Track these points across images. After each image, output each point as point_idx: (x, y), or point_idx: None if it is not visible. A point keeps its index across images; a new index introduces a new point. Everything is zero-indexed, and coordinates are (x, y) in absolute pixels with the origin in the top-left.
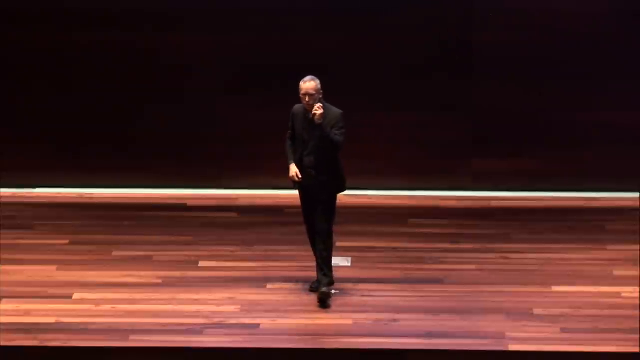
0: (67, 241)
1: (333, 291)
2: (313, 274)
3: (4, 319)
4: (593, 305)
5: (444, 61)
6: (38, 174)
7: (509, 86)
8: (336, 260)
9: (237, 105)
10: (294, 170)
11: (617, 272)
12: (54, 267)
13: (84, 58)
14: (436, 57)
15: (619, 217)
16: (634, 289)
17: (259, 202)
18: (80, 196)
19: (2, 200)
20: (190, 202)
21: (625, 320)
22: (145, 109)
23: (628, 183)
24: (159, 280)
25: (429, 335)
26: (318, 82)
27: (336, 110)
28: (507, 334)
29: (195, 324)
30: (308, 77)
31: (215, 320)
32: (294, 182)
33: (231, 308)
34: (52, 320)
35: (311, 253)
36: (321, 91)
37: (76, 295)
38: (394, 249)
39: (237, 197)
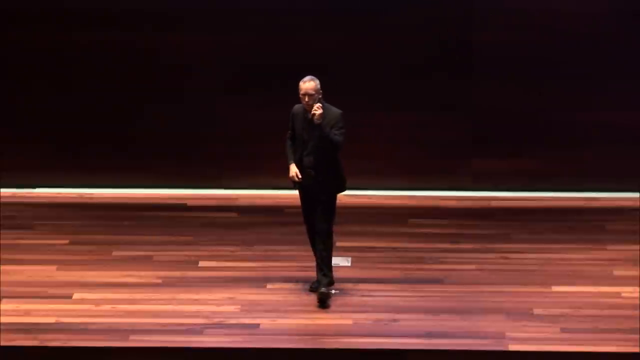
0: (67, 241)
1: (333, 291)
2: (313, 274)
3: (4, 319)
4: (593, 305)
5: (444, 61)
6: (38, 174)
7: (509, 86)
8: (336, 260)
9: (237, 105)
10: (293, 170)
11: (617, 272)
12: (54, 267)
13: (84, 58)
14: (436, 57)
15: (619, 217)
16: (634, 289)
17: (259, 202)
18: (80, 196)
19: (2, 200)
20: (190, 202)
21: (625, 320)
22: (145, 109)
23: (628, 183)
24: (159, 280)
25: (429, 335)
26: (317, 82)
27: (336, 110)
28: (507, 334)
29: (195, 324)
30: (307, 77)
31: (215, 320)
32: (294, 182)
33: (231, 308)
34: (52, 320)
35: (311, 253)
36: (321, 91)
37: (76, 295)
38: (394, 249)
39: (237, 197)
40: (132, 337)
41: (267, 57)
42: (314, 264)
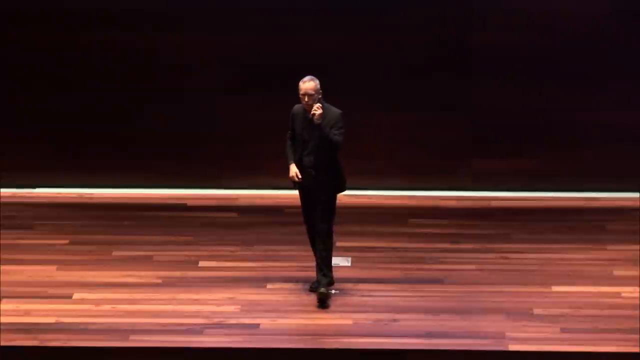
0: (67, 241)
1: (332, 291)
2: (313, 274)
3: (4, 319)
4: (593, 305)
5: (444, 61)
6: (38, 174)
7: (509, 86)
8: (336, 260)
9: (237, 105)
10: (293, 170)
11: (617, 272)
12: (54, 267)
13: (84, 58)
14: (436, 57)
15: (619, 217)
16: (634, 289)
17: (259, 202)
18: (80, 196)
19: (2, 200)
20: (190, 202)
21: (625, 320)
22: (145, 109)
23: (628, 183)
24: (159, 280)
25: (429, 335)
26: (317, 82)
27: (335, 110)
28: (507, 334)
29: (195, 324)
30: (307, 77)
31: (215, 320)
32: (294, 182)
33: (231, 308)
34: (52, 320)
35: (311, 253)
36: (320, 91)
37: (76, 295)
38: (394, 249)
39: (237, 197)
40: (132, 337)
41: (267, 57)
42: (314, 264)
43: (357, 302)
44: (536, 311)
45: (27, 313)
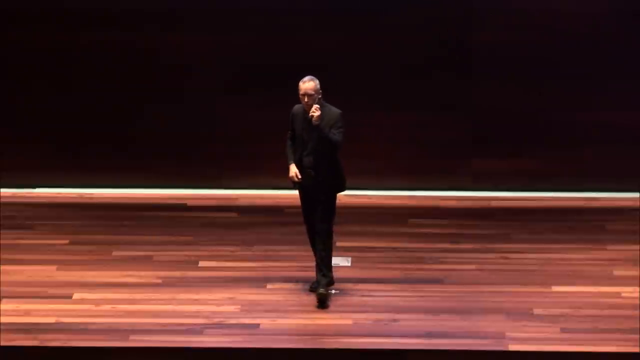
0: (67, 241)
1: (332, 291)
2: (313, 274)
3: (4, 319)
4: (593, 305)
5: (444, 61)
6: (38, 174)
7: (509, 86)
8: (336, 260)
9: (237, 105)
10: (293, 170)
11: (617, 272)
12: (54, 267)
13: (84, 58)
14: (436, 57)
15: (619, 217)
16: (634, 289)
17: (259, 202)
18: (80, 196)
19: (2, 200)
20: (190, 202)
21: (625, 320)
22: (145, 109)
23: (628, 183)
24: (159, 280)
25: (429, 335)
26: (317, 82)
27: (335, 110)
28: (507, 334)
29: (195, 324)
30: (307, 78)
31: (215, 320)
32: (294, 182)
33: (231, 308)
34: (52, 320)
35: (311, 253)
36: (320, 91)
37: (76, 295)
38: (394, 249)
39: (237, 197)
40: (132, 337)
41: (267, 57)
42: (314, 264)
43: (357, 302)
44: (536, 311)
45: (27, 313)
